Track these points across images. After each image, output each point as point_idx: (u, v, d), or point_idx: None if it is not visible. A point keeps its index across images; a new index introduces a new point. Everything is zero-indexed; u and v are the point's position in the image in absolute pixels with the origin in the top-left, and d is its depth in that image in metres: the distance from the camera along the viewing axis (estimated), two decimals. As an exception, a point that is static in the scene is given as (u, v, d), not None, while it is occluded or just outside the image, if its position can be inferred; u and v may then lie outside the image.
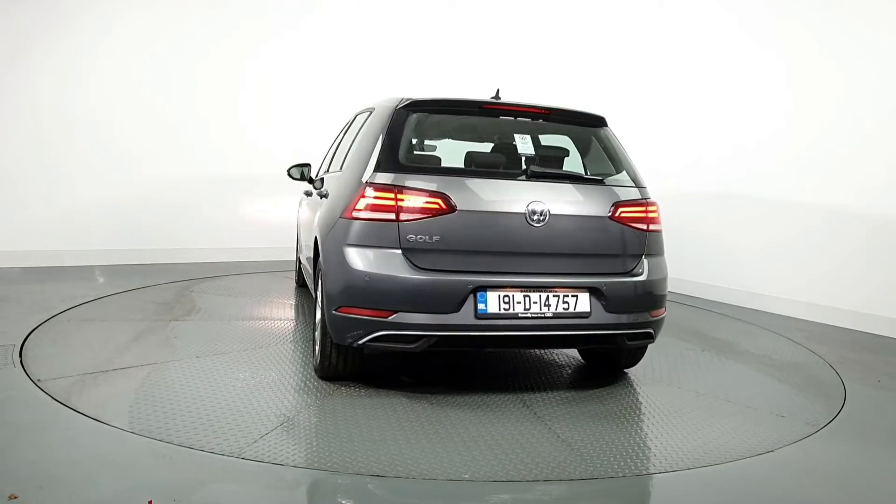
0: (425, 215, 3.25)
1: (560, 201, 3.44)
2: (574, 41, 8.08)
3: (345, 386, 3.61)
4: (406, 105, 3.60)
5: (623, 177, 3.76)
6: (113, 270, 6.71)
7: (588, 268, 3.48)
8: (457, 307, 3.21)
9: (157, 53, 7.26)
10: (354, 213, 3.30)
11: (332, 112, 7.05)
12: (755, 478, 2.82)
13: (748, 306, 6.50)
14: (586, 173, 3.85)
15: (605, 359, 4.18)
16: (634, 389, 3.89)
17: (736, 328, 5.74)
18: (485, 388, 3.74)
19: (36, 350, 3.96)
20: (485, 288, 3.25)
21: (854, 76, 5.88)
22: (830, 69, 6.03)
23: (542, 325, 3.33)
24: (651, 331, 3.63)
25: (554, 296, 3.34)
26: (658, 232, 3.71)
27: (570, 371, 4.24)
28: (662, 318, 3.73)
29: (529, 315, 3.30)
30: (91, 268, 6.77)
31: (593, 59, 7.94)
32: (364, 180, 3.36)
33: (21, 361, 3.69)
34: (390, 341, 3.27)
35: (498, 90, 4.20)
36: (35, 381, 3.43)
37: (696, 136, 7.10)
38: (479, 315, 3.23)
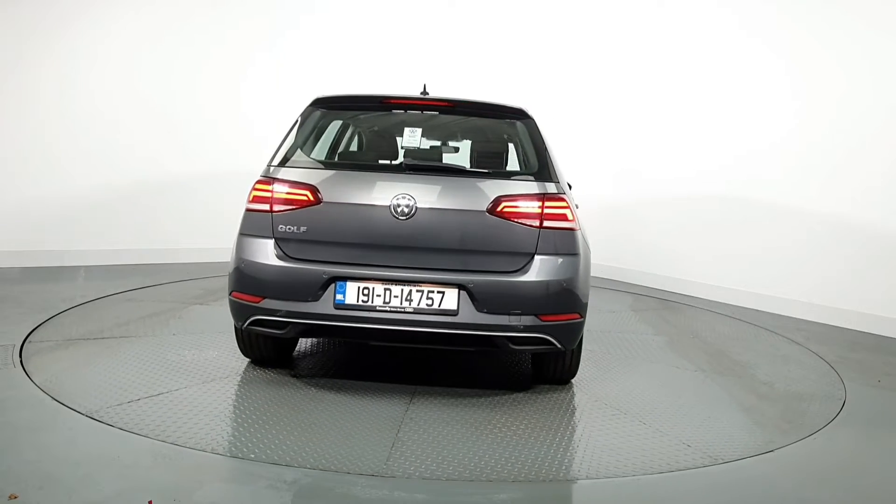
0: (293, 206, 3.40)
1: (431, 195, 3.37)
2: (575, 43, 8.07)
3: (259, 370, 3.82)
4: (313, 102, 3.81)
5: (531, 170, 3.58)
6: (116, 270, 6.70)
7: (458, 264, 3.34)
8: (315, 296, 3.28)
9: (159, 52, 7.23)
10: (247, 206, 3.51)
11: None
12: (752, 477, 2.82)
13: (748, 306, 6.50)
14: (471, 166, 3.72)
15: (537, 368, 3.88)
16: (545, 398, 3.62)
17: (760, 348, 5.00)
18: (396, 380, 3.76)
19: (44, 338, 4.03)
20: (344, 279, 3.29)
21: (856, 78, 5.88)
22: (832, 71, 6.03)
23: (402, 320, 3.27)
24: (547, 336, 3.32)
25: (417, 291, 3.28)
26: (560, 230, 3.38)
27: (504, 376, 4.03)
28: (567, 324, 3.37)
29: (388, 308, 3.27)
30: (97, 268, 6.75)
31: (593, 61, 7.93)
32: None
33: (21, 361, 3.69)
34: (263, 326, 3.41)
35: (425, 85, 4.20)
36: (21, 346, 3.73)
37: (699, 139, 7.08)
38: (337, 305, 3.28)
